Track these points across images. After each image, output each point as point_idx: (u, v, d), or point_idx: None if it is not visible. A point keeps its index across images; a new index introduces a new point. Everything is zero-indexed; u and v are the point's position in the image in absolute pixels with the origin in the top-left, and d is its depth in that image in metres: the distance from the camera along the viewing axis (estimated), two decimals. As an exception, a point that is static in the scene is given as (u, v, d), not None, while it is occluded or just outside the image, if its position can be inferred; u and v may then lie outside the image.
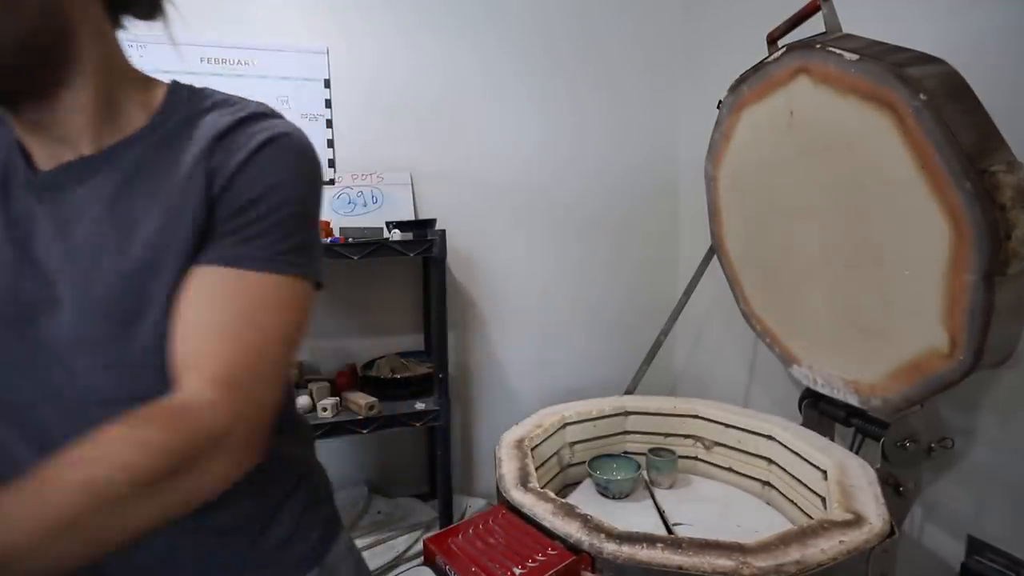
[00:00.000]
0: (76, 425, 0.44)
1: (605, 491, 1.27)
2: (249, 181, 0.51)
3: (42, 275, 0.49)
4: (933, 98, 0.88)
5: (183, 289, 0.49)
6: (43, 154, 0.52)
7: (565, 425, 1.37)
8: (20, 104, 0.49)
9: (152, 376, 0.49)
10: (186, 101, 0.55)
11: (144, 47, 1.65)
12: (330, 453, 1.86)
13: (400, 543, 1.63)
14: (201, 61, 1.67)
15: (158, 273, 0.49)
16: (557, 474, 1.32)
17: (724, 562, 0.81)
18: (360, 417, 1.54)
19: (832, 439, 1.26)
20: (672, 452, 1.34)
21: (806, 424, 1.34)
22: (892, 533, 0.88)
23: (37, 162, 0.52)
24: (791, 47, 1.15)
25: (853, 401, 1.19)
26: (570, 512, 0.93)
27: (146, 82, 0.55)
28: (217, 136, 0.52)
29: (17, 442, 0.51)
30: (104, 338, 0.49)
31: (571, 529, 0.89)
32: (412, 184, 1.86)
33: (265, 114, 0.55)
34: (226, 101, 0.56)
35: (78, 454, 0.39)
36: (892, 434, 1.11)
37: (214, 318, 0.48)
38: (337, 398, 1.60)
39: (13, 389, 0.51)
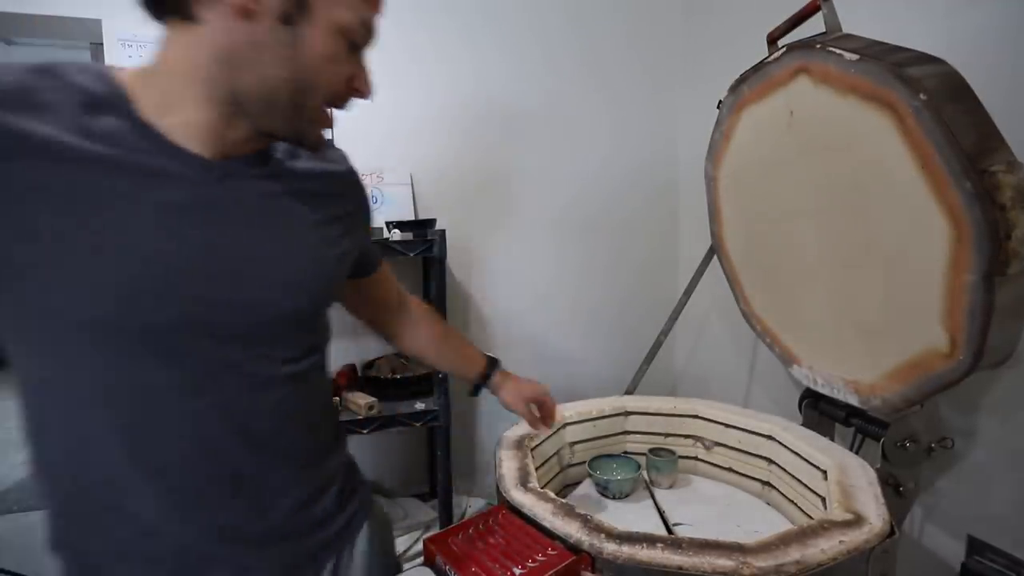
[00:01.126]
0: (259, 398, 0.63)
1: (605, 491, 1.27)
2: None
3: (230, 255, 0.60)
4: (933, 98, 0.88)
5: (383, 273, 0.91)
6: (214, 146, 0.59)
7: (565, 425, 1.37)
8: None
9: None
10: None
11: (144, 47, 1.65)
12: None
13: (400, 543, 1.63)
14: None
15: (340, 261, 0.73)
16: (557, 474, 1.32)
17: (724, 562, 0.80)
18: (360, 417, 1.54)
19: (832, 439, 1.26)
20: (672, 452, 1.34)
21: (806, 424, 1.34)
22: (892, 533, 0.88)
23: (196, 150, 0.58)
24: (791, 47, 1.15)
25: (853, 401, 1.19)
26: (570, 512, 0.93)
27: None
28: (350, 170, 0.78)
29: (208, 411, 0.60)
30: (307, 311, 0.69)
31: (571, 529, 0.89)
32: (412, 184, 1.86)
33: None
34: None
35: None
36: (892, 434, 1.11)
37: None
38: (337, 398, 1.60)
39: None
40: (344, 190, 0.75)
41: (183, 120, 0.56)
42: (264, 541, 0.66)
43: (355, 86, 0.63)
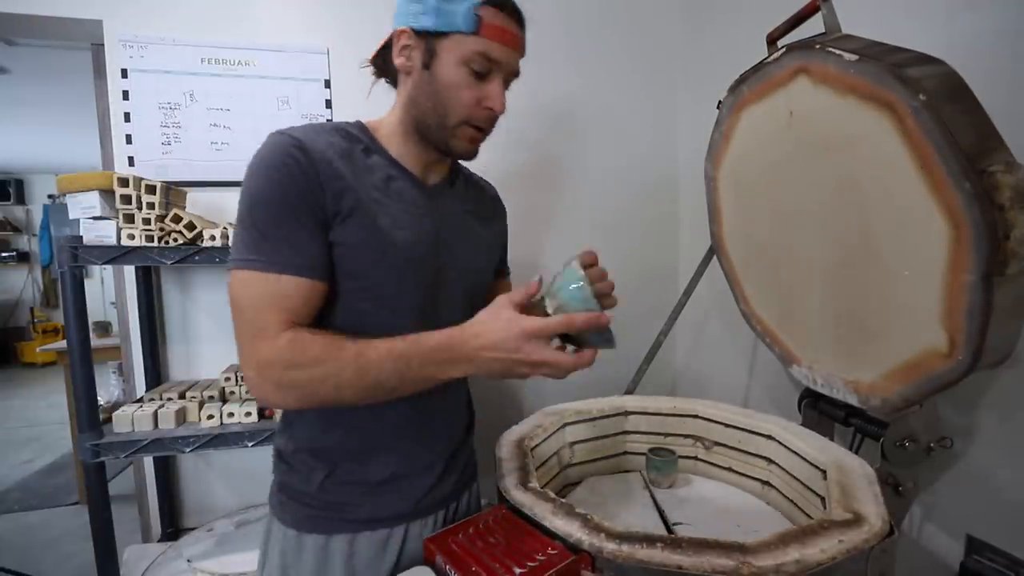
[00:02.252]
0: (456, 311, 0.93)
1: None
2: None
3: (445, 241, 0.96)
4: (932, 98, 0.88)
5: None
6: (424, 174, 0.97)
7: (565, 425, 1.37)
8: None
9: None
10: (453, 163, 1.05)
11: (145, 48, 1.65)
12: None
13: (400, 543, 1.63)
14: (202, 62, 1.68)
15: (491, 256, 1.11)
16: (557, 474, 1.33)
17: (724, 561, 0.81)
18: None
19: (831, 439, 1.26)
20: (672, 452, 1.35)
21: (806, 424, 1.34)
22: (891, 533, 0.89)
23: (420, 177, 0.96)
24: (791, 47, 1.15)
25: (852, 401, 1.19)
26: (570, 512, 0.93)
27: None
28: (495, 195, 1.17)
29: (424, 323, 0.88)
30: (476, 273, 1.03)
31: (571, 529, 0.89)
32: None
33: None
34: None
35: None
36: (891, 434, 1.12)
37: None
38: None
39: (429, 299, 0.93)
40: (495, 208, 1.14)
41: (403, 152, 0.93)
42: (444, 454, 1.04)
43: (486, 105, 0.87)
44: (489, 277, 1.08)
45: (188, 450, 1.54)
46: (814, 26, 1.15)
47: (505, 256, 1.18)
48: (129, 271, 1.86)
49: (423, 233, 0.90)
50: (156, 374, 1.84)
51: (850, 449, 1.19)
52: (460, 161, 1.00)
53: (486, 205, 1.10)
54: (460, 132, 0.88)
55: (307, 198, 0.80)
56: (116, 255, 1.47)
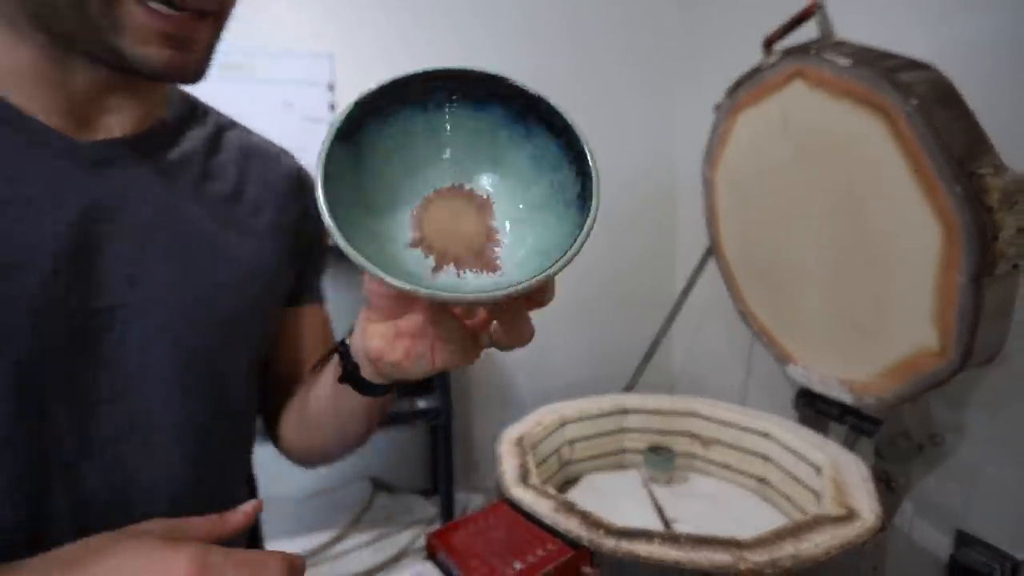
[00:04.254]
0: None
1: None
2: None
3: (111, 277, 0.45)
4: (924, 103, 0.90)
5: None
6: (76, 121, 0.45)
7: (564, 423, 1.39)
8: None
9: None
10: (180, 102, 0.54)
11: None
12: None
13: (403, 538, 1.65)
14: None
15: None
16: (557, 471, 1.34)
17: (721, 557, 0.83)
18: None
19: (826, 436, 1.28)
20: (670, 449, 1.36)
21: (802, 422, 1.36)
22: (883, 528, 0.91)
23: (64, 128, 0.45)
24: (786, 52, 1.17)
25: (847, 399, 1.21)
26: (570, 509, 0.95)
27: None
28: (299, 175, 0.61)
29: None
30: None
31: (570, 525, 0.91)
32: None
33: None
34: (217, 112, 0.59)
35: None
36: (885, 431, 1.13)
37: None
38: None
39: (59, 396, 0.43)
40: (283, 192, 0.59)
41: (28, 88, 0.43)
42: None
43: None
44: (260, 329, 0.56)
45: None
46: (810, 30, 1.16)
47: (313, 277, 0.66)
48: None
49: (39, 242, 0.41)
50: None
51: (844, 446, 1.21)
52: (192, 98, 0.55)
53: (260, 188, 0.56)
54: (132, 16, 0.40)
55: None
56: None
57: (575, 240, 0.28)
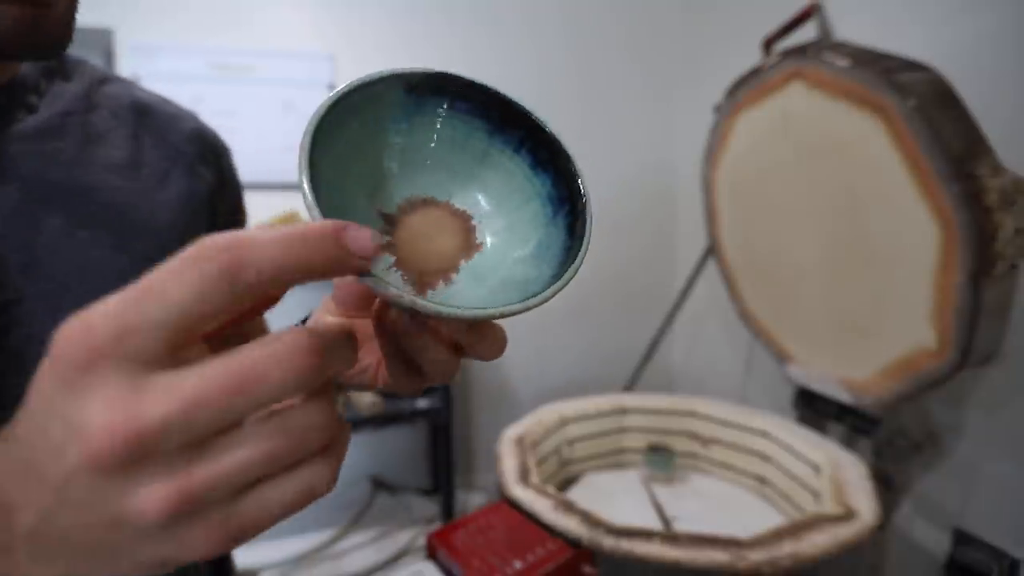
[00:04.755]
0: None
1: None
2: None
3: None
4: (922, 103, 0.90)
5: None
6: None
7: (564, 423, 1.39)
8: None
9: None
10: None
11: (154, 53, 1.66)
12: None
13: (403, 537, 1.66)
14: (209, 67, 1.69)
15: None
16: (557, 471, 1.35)
17: (720, 556, 0.83)
18: (364, 415, 1.56)
19: (825, 435, 1.29)
20: (670, 449, 1.37)
21: (800, 421, 1.37)
22: (882, 527, 0.91)
23: None
24: (785, 53, 1.17)
25: (846, 399, 1.21)
26: (569, 508, 0.96)
27: None
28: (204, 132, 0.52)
29: None
30: None
31: (570, 524, 0.91)
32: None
33: None
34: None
35: None
36: (883, 431, 1.14)
37: None
38: (343, 395, 1.62)
39: None
40: (186, 157, 0.50)
41: None
42: None
43: None
44: None
45: None
46: (809, 30, 1.16)
47: None
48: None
49: None
50: None
51: (843, 446, 1.21)
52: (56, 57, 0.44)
53: (160, 153, 0.48)
54: None
55: None
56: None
57: (576, 255, 0.27)
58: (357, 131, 0.29)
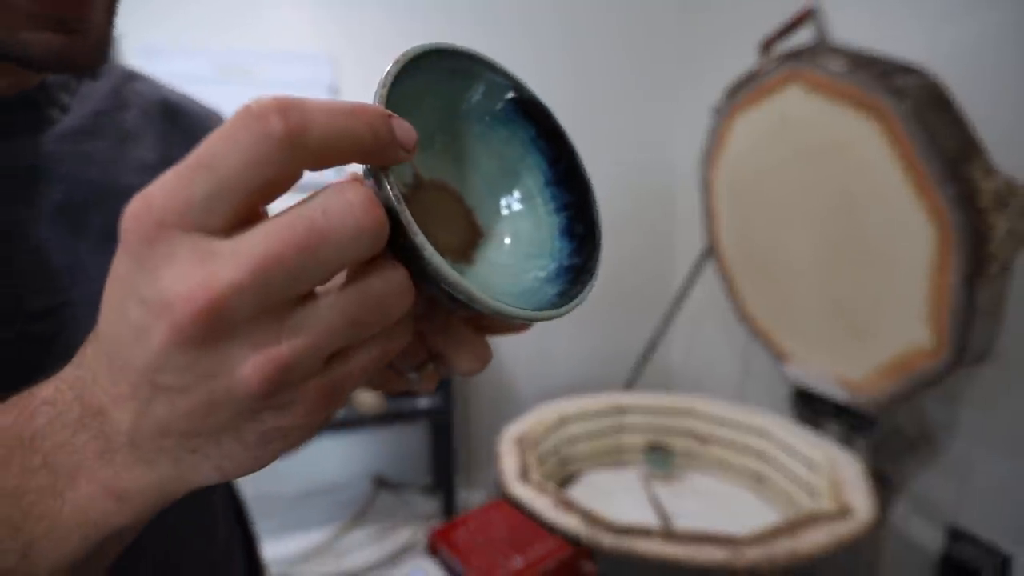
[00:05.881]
0: None
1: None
2: None
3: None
4: (918, 106, 0.91)
5: None
6: None
7: (564, 421, 1.40)
8: None
9: None
10: None
11: (157, 55, 1.67)
12: (336, 448, 1.90)
13: (404, 535, 1.67)
14: (211, 69, 1.70)
15: None
16: (556, 469, 1.36)
17: (718, 553, 0.84)
18: (367, 414, 1.58)
19: (822, 434, 1.30)
20: (668, 447, 1.38)
21: (798, 420, 1.38)
22: (878, 524, 0.92)
23: None
24: (783, 56, 1.18)
25: (843, 398, 1.22)
26: (569, 506, 0.97)
27: None
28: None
29: None
30: None
31: (570, 522, 0.92)
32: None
33: None
34: None
35: None
36: (879, 429, 1.15)
37: None
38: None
39: None
40: None
41: None
42: None
43: None
44: None
45: None
46: (808, 32, 1.17)
47: None
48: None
49: None
50: None
51: (840, 444, 1.22)
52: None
53: (179, 154, 0.27)
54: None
55: None
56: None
57: (594, 264, 0.28)
58: (437, 89, 0.28)
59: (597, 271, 0.27)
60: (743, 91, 1.31)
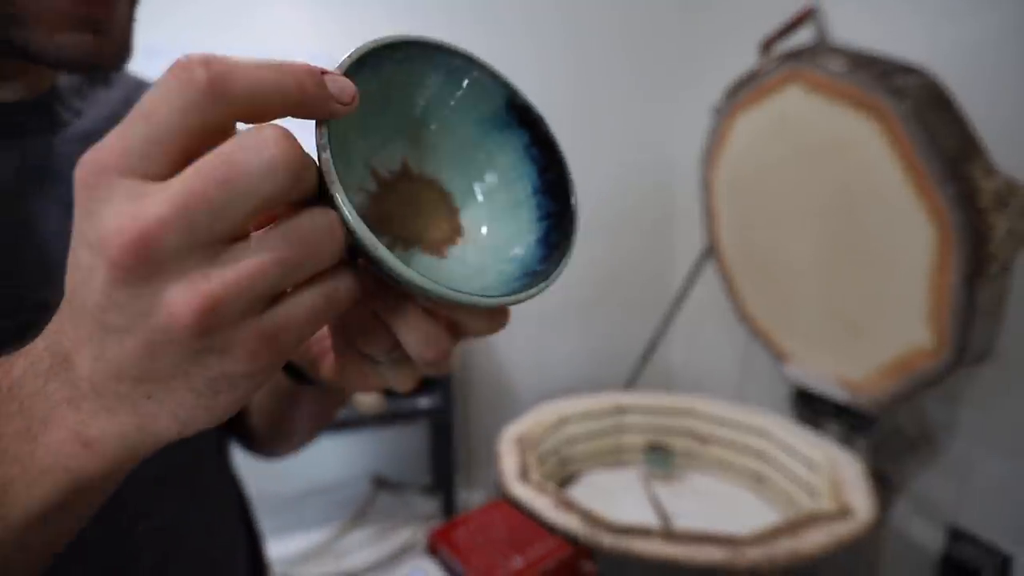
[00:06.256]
0: None
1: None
2: None
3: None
4: (918, 105, 0.91)
5: None
6: None
7: (564, 421, 1.40)
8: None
9: None
10: None
11: (158, 55, 1.67)
12: (336, 448, 1.89)
13: (404, 535, 1.67)
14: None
15: None
16: (556, 469, 1.36)
17: (718, 553, 0.84)
18: (367, 413, 1.58)
19: (822, 434, 1.30)
20: (668, 447, 1.38)
21: (798, 420, 1.38)
22: (879, 524, 0.92)
23: None
24: (783, 56, 1.18)
25: (843, 398, 1.22)
26: (569, 506, 0.97)
27: None
28: None
29: None
30: None
31: (570, 522, 0.92)
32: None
33: None
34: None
35: None
36: (879, 429, 1.15)
37: None
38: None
39: None
40: None
41: None
42: None
43: None
44: None
45: None
46: (808, 32, 1.17)
47: None
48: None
49: None
50: None
51: (840, 444, 1.22)
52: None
53: None
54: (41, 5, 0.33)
55: None
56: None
57: (565, 253, 0.27)
58: (390, 83, 0.28)
59: (554, 279, 0.27)
60: (743, 91, 1.31)
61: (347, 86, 0.22)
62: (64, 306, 0.21)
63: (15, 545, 0.22)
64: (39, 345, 0.22)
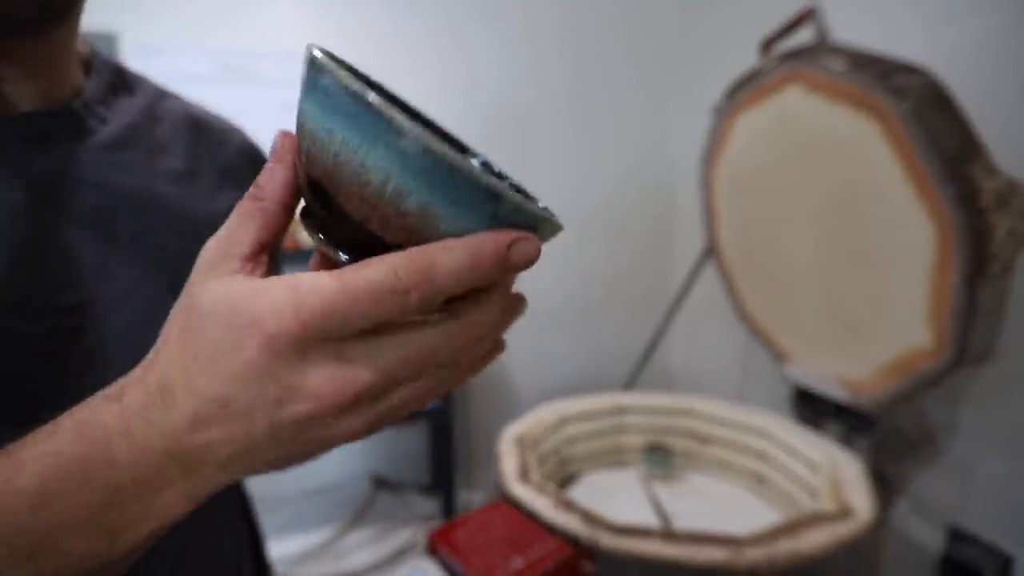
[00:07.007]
0: None
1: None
2: None
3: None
4: (918, 105, 0.91)
5: None
6: None
7: (564, 422, 1.40)
8: (33, 29, 0.37)
9: None
10: (103, 69, 0.46)
11: (159, 55, 1.67)
12: (336, 448, 1.89)
13: (404, 535, 1.67)
14: (211, 68, 1.70)
15: None
16: (556, 469, 1.36)
17: (718, 553, 0.84)
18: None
19: (822, 434, 1.30)
20: (668, 448, 1.38)
21: (798, 420, 1.38)
22: (879, 525, 0.92)
23: None
24: (784, 55, 1.18)
25: (843, 398, 1.22)
26: (569, 506, 0.97)
27: None
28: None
29: None
30: None
31: (570, 522, 0.92)
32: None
33: None
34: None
35: None
36: (880, 429, 1.15)
37: None
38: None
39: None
40: (231, 166, 0.53)
41: None
42: None
43: None
44: None
45: None
46: (807, 32, 1.17)
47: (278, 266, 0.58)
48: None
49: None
50: None
51: (841, 444, 1.22)
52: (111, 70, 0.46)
53: (214, 165, 0.51)
54: None
55: None
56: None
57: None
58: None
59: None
60: (744, 90, 1.31)
61: (531, 253, 0.23)
62: (203, 404, 0.23)
63: (109, 568, 0.25)
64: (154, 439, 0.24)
